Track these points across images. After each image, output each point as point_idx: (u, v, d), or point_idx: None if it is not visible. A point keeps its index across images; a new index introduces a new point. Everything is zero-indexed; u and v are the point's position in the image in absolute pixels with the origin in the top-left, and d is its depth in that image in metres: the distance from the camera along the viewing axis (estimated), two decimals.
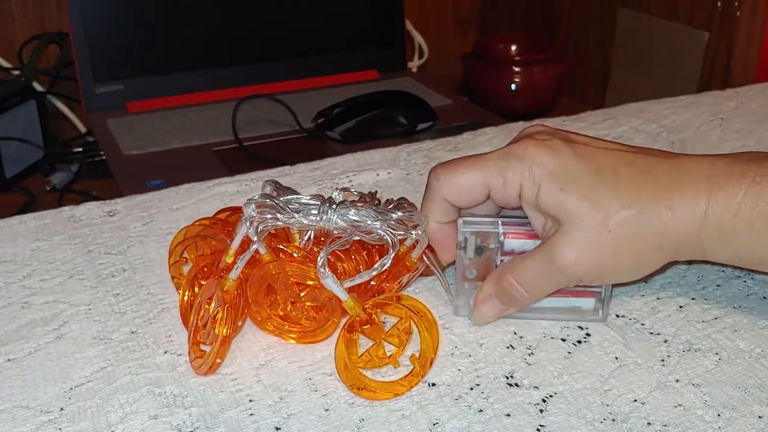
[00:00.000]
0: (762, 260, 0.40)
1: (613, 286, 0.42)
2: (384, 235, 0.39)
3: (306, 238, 0.40)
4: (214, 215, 0.46)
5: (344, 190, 0.43)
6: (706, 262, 0.48)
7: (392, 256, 0.39)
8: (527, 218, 0.41)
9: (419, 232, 0.41)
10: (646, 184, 0.39)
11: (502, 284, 0.41)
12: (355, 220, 0.39)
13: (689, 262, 0.48)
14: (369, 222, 0.39)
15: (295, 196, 0.40)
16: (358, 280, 0.39)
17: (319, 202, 0.40)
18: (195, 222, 0.45)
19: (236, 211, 0.45)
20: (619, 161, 0.40)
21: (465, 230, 0.42)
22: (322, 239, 0.41)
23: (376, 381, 0.38)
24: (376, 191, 0.44)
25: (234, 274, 0.39)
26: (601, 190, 0.39)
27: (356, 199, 0.43)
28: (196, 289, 0.42)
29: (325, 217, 0.39)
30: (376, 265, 0.39)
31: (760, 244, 0.39)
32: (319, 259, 0.38)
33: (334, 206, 0.39)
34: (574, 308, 0.42)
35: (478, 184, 0.41)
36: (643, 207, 0.39)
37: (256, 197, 0.40)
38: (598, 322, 0.42)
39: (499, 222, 0.42)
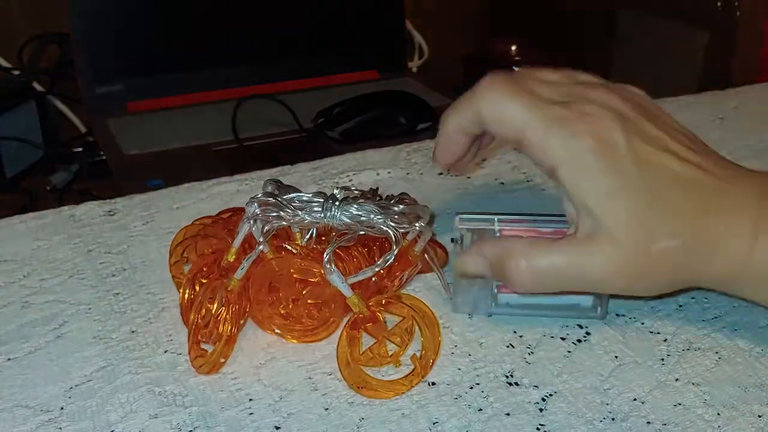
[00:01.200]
0: None
1: None
2: (387, 230, 0.39)
3: (309, 235, 0.41)
4: (216, 215, 0.46)
5: (344, 188, 0.43)
6: None
7: (396, 250, 0.39)
8: (525, 215, 0.41)
9: (422, 224, 0.41)
10: (691, 211, 0.36)
11: (507, 262, 0.38)
12: (358, 216, 0.39)
13: None
14: (372, 216, 0.39)
15: (297, 194, 0.40)
16: (361, 276, 0.39)
17: (322, 199, 0.40)
18: (195, 221, 0.45)
19: (238, 211, 0.45)
20: (669, 175, 0.37)
21: (461, 227, 0.42)
22: (323, 238, 0.41)
23: (377, 379, 0.38)
24: (377, 188, 0.44)
25: (239, 274, 0.39)
26: (650, 209, 0.36)
27: (357, 195, 0.43)
28: (197, 288, 0.42)
29: (328, 214, 0.39)
30: (379, 261, 0.39)
31: None
32: (325, 255, 0.38)
33: (336, 203, 0.39)
34: (572, 305, 0.42)
35: (517, 126, 0.37)
36: (687, 243, 0.36)
37: (259, 196, 0.40)
38: (597, 319, 0.42)
39: (496, 219, 0.42)
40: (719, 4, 1.08)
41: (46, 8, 1.25)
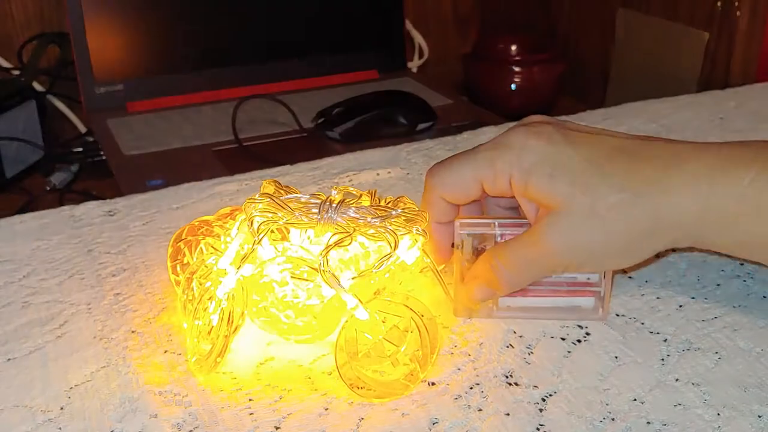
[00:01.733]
0: (765, 247, 0.38)
1: (613, 284, 0.42)
2: (384, 233, 0.39)
3: (306, 236, 0.41)
4: (214, 216, 0.46)
5: (343, 189, 0.43)
6: (705, 257, 0.48)
7: (393, 253, 0.39)
8: (524, 219, 0.41)
9: (419, 228, 0.41)
10: (641, 170, 0.38)
11: (487, 266, 0.40)
12: (355, 218, 0.39)
13: (689, 262, 0.48)
14: (369, 219, 0.39)
15: (295, 195, 0.40)
16: (359, 278, 0.39)
17: (320, 201, 0.40)
18: (194, 221, 0.45)
19: (236, 211, 0.45)
20: (615, 148, 0.39)
21: (462, 232, 0.42)
22: (321, 239, 0.41)
23: (375, 380, 0.38)
24: (375, 190, 0.44)
25: (236, 274, 0.39)
26: (592, 176, 0.38)
27: (356, 197, 0.43)
28: (196, 288, 0.42)
29: (326, 216, 0.39)
30: (376, 263, 0.39)
31: (765, 231, 0.37)
32: (321, 257, 0.38)
33: (334, 205, 0.39)
34: (573, 307, 0.42)
35: (469, 178, 0.41)
36: (637, 191, 0.37)
37: (257, 196, 0.40)
38: (598, 321, 0.43)
39: (496, 223, 0.42)
40: (719, 4, 1.08)
41: (46, 8, 1.25)
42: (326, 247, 0.38)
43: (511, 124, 0.71)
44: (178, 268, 0.45)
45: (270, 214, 0.39)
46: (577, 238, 0.38)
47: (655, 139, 0.41)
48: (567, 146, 0.39)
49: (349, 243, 0.40)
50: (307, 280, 0.40)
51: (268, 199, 0.39)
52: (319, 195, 0.41)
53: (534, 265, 0.40)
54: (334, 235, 0.39)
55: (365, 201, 0.42)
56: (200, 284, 0.42)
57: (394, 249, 0.39)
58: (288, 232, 0.42)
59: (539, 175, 0.38)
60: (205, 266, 0.42)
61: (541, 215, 0.39)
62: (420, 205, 0.43)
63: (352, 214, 0.39)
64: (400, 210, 0.40)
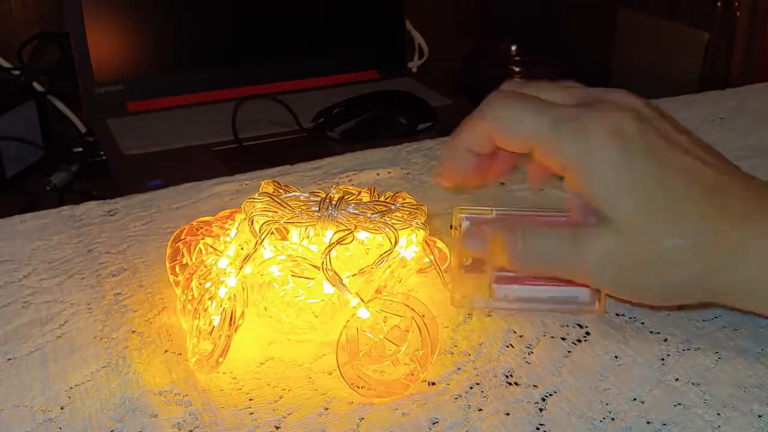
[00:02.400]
0: None
1: None
2: (385, 228, 0.39)
3: (306, 235, 0.41)
4: (213, 217, 0.46)
5: (342, 187, 0.43)
6: None
7: (393, 249, 0.39)
8: (524, 210, 0.41)
9: (419, 222, 0.41)
10: (708, 210, 0.35)
11: (506, 236, 0.37)
12: (355, 215, 0.39)
13: None
14: (369, 215, 0.39)
15: (294, 193, 0.40)
16: (359, 276, 0.39)
17: (319, 199, 0.40)
18: (193, 222, 0.45)
19: (237, 213, 0.45)
20: (688, 174, 0.35)
21: (460, 215, 0.42)
22: (321, 237, 0.41)
23: (376, 379, 0.38)
24: (374, 187, 0.44)
25: (238, 274, 0.39)
26: (664, 206, 0.34)
27: (355, 194, 0.43)
28: (195, 288, 0.42)
29: (326, 213, 0.39)
30: (377, 260, 0.39)
31: None
32: (323, 255, 0.38)
33: (334, 202, 0.39)
34: (570, 297, 0.42)
35: (527, 128, 0.36)
36: (698, 243, 0.34)
37: (257, 195, 0.40)
38: (594, 314, 0.42)
39: (494, 211, 0.42)
40: (719, 4, 1.08)
41: (46, 8, 1.25)
42: (329, 245, 0.38)
43: None
44: (177, 269, 0.45)
45: (270, 213, 0.39)
46: (621, 262, 0.35)
47: (717, 170, 0.36)
48: (650, 162, 0.35)
49: (351, 240, 0.40)
50: (307, 278, 0.40)
51: (267, 198, 0.39)
52: (318, 193, 0.41)
53: (558, 264, 0.37)
54: (336, 233, 0.39)
55: (364, 198, 0.42)
56: (200, 284, 0.42)
57: (395, 244, 0.39)
58: (287, 232, 0.42)
59: (608, 184, 0.35)
60: (205, 266, 0.42)
61: (589, 218, 0.36)
62: (464, 120, 0.40)
63: (352, 211, 0.39)
64: (399, 204, 0.40)
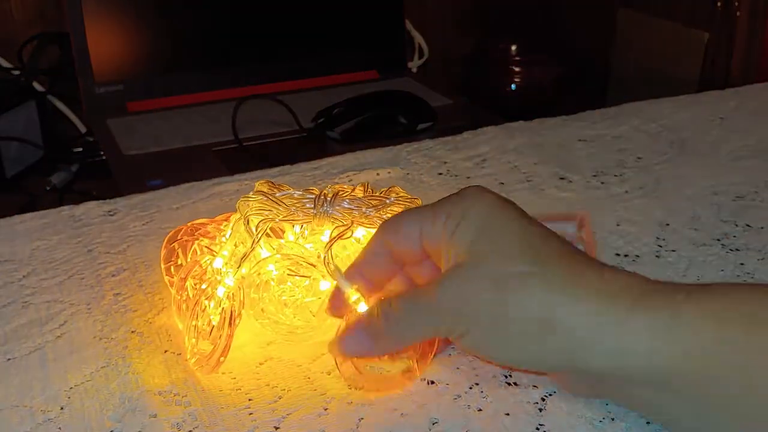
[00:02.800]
0: None
1: None
2: (380, 222, 0.39)
3: (302, 232, 0.41)
4: (210, 220, 0.46)
5: (337, 184, 0.43)
6: (705, 257, 0.48)
7: None
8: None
9: None
10: (553, 247, 0.34)
11: (379, 306, 0.36)
12: (350, 209, 0.39)
13: (689, 262, 0.48)
14: (364, 209, 0.39)
15: (289, 191, 0.40)
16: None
17: (313, 196, 0.40)
18: (188, 223, 0.45)
19: (232, 214, 0.45)
20: (552, 234, 0.35)
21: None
22: (317, 235, 0.41)
23: (374, 376, 0.38)
24: (368, 182, 0.44)
25: (235, 273, 0.39)
26: (499, 239, 0.34)
27: (349, 191, 0.43)
28: (191, 288, 0.42)
29: (321, 209, 0.39)
30: None
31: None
32: (324, 251, 0.38)
33: (329, 198, 0.40)
34: None
35: (412, 221, 0.37)
36: (546, 271, 0.33)
37: (251, 194, 0.40)
38: None
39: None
40: (719, 4, 1.08)
41: (46, 8, 1.25)
42: (330, 241, 0.38)
43: (512, 125, 0.72)
44: (172, 269, 0.45)
45: (266, 212, 0.39)
46: (470, 292, 0.34)
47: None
48: (511, 211, 0.36)
49: (350, 236, 0.40)
50: (304, 276, 0.40)
51: (262, 197, 0.39)
52: (312, 190, 0.41)
53: (420, 316, 0.35)
54: (334, 229, 0.39)
55: (358, 193, 0.42)
56: (195, 285, 0.42)
57: None
58: (283, 232, 0.42)
59: (469, 224, 0.35)
60: (200, 266, 0.42)
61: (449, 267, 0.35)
62: (358, 255, 0.39)
63: (347, 206, 0.39)
64: (393, 198, 0.40)
